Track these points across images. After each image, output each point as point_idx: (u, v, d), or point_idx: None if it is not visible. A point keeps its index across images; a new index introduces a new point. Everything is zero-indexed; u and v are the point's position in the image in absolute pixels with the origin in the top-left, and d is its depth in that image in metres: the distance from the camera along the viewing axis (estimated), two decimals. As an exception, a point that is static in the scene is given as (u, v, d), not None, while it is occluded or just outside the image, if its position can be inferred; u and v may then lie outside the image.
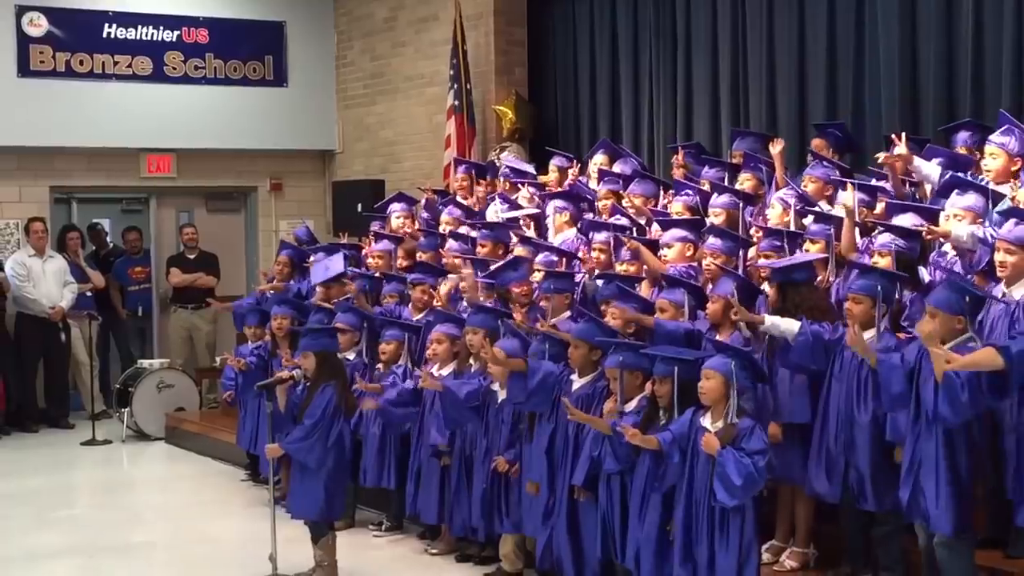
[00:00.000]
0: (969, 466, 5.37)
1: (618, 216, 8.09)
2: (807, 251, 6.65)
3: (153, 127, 13.21)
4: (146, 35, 13.21)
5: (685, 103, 10.65)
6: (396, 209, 10.01)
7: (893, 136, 7.19)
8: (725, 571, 5.42)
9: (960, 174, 6.80)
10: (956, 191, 6.41)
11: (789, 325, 5.95)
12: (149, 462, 11.22)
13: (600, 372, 6.32)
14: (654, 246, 7.39)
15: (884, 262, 6.14)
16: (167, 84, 13.30)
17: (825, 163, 7.77)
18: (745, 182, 8.03)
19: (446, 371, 7.45)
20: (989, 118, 7.59)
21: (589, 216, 8.50)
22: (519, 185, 9.53)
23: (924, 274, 6.32)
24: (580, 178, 9.38)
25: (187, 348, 12.96)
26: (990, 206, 6.25)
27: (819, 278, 6.49)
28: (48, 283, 12.14)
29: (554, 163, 9.74)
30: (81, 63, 12.91)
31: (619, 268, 7.33)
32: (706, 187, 8.09)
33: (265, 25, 13.85)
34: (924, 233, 6.21)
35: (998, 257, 5.72)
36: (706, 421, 5.53)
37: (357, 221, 11.63)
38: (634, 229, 7.78)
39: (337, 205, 13.18)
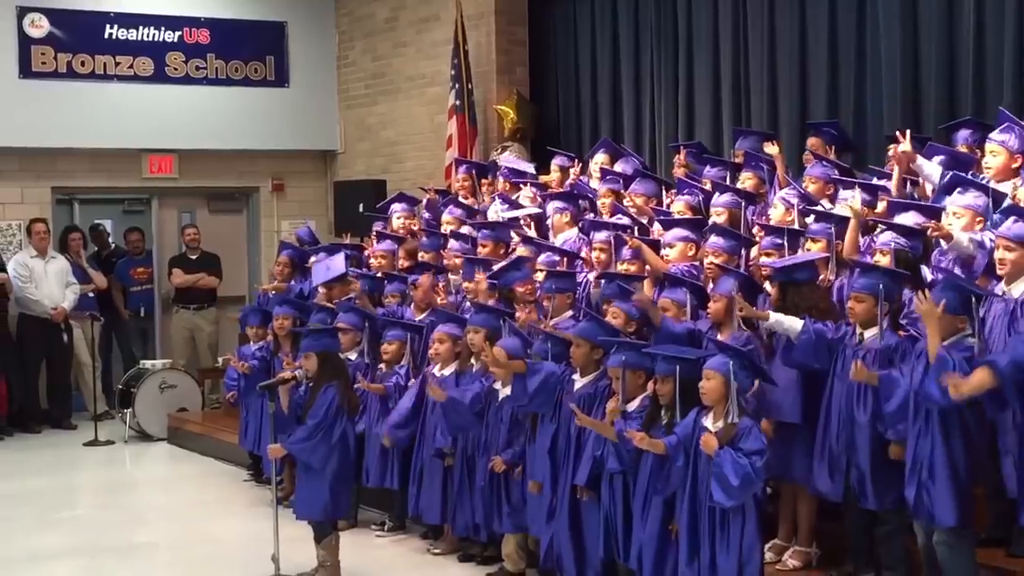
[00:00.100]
0: (967, 460, 5.38)
1: (620, 215, 8.10)
2: (808, 250, 6.65)
3: (155, 128, 13.21)
4: (147, 36, 13.22)
5: (687, 103, 10.65)
6: (397, 209, 10.01)
7: (898, 132, 7.19)
8: (726, 571, 5.42)
9: (961, 173, 6.79)
10: (958, 189, 6.41)
11: (792, 323, 5.95)
12: (151, 463, 11.22)
13: (602, 371, 6.33)
14: (655, 245, 7.39)
15: (885, 260, 6.14)
16: (168, 85, 13.30)
17: (824, 162, 7.77)
18: (746, 181, 8.03)
19: (448, 371, 7.45)
20: (990, 117, 7.58)
21: (590, 216, 8.50)
22: (520, 185, 9.53)
23: (926, 273, 6.31)
24: (581, 178, 9.38)
25: (189, 349, 12.96)
26: (991, 205, 6.24)
27: (820, 277, 6.49)
28: (50, 284, 12.14)
29: (556, 163, 9.75)
30: (82, 64, 12.92)
31: (620, 267, 7.33)
32: (707, 186, 8.10)
33: (266, 25, 13.85)
34: (931, 230, 6.19)
35: (997, 255, 5.73)
36: (708, 421, 5.54)
37: (359, 221, 11.64)
38: (636, 228, 7.77)
39: (339, 205, 13.18)
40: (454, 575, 7.27)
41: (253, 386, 8.58)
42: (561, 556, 6.36)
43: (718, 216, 7.51)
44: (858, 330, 5.89)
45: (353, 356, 8.12)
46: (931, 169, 6.99)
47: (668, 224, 7.51)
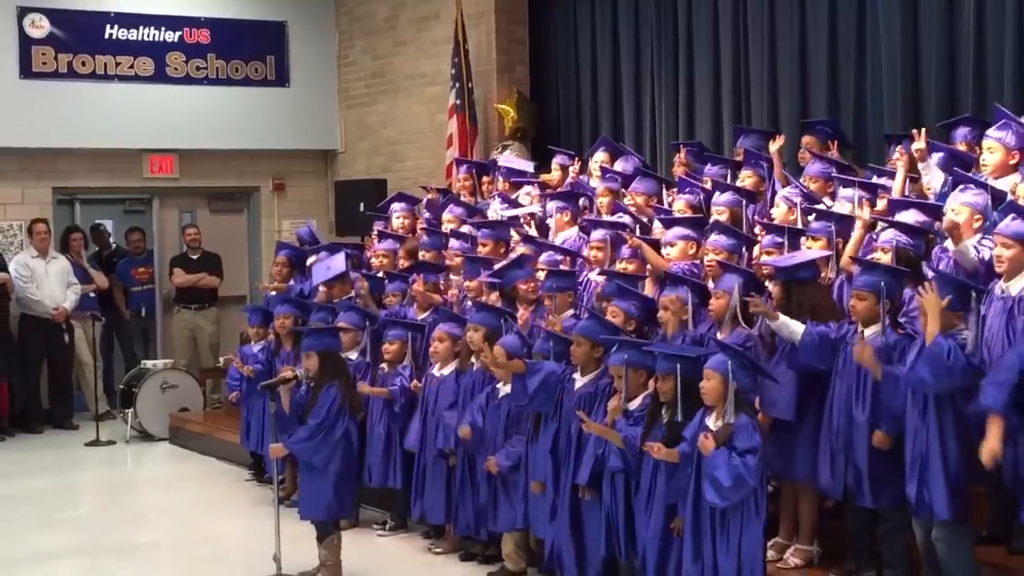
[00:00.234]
0: (964, 455, 5.40)
1: (620, 214, 8.10)
2: (809, 248, 6.65)
3: (155, 128, 13.22)
4: (148, 36, 13.22)
5: (687, 101, 10.65)
6: (397, 209, 10.02)
7: (915, 132, 7.17)
8: (727, 570, 5.42)
9: (961, 170, 6.80)
10: (959, 187, 6.41)
11: (795, 327, 5.94)
12: (153, 462, 11.23)
13: (603, 370, 6.33)
14: (655, 244, 7.39)
15: (887, 258, 6.15)
16: (169, 85, 13.31)
17: (823, 160, 7.77)
18: (746, 179, 8.04)
19: (447, 370, 7.46)
20: (990, 115, 7.57)
21: (590, 214, 8.51)
22: (519, 184, 9.54)
23: (927, 271, 6.31)
24: (581, 176, 9.38)
25: (190, 348, 12.97)
26: (990, 203, 6.24)
27: (821, 275, 6.49)
28: (51, 284, 12.15)
29: (556, 161, 9.75)
30: (83, 64, 12.92)
31: (618, 266, 7.33)
32: (708, 185, 8.10)
33: (266, 25, 13.86)
34: (945, 226, 6.18)
35: (995, 252, 5.74)
36: (710, 421, 5.54)
37: (359, 221, 11.65)
38: (637, 227, 7.78)
39: (339, 205, 13.19)
40: (456, 574, 7.27)
41: (255, 386, 8.59)
42: (562, 555, 6.37)
43: (719, 215, 7.51)
44: (859, 328, 5.90)
45: (354, 356, 8.12)
46: (935, 176, 6.97)
47: (669, 223, 7.50)
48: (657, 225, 7.75)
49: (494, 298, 7.59)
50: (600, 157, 9.36)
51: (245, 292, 14.02)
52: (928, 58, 8.76)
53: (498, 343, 6.91)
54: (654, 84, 11.00)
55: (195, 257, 13.11)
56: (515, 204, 9.16)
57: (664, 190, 8.56)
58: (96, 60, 12.97)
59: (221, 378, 11.94)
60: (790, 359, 6.02)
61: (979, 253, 6.00)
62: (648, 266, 7.24)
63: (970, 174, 6.70)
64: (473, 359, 7.31)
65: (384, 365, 7.98)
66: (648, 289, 7.12)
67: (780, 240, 6.75)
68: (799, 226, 6.98)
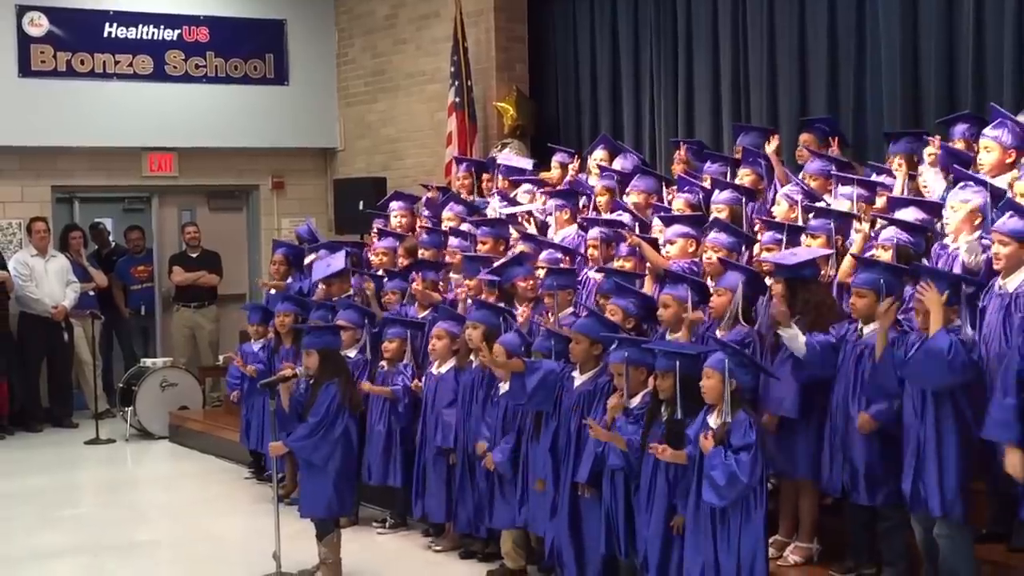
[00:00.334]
0: (962, 450, 5.42)
1: (620, 212, 8.10)
2: (808, 246, 6.64)
3: (154, 126, 13.22)
4: (147, 34, 13.22)
5: (686, 99, 10.65)
6: (395, 207, 10.02)
7: (932, 139, 7.17)
8: (727, 569, 5.43)
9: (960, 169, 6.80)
10: (959, 185, 6.42)
11: (800, 342, 5.94)
12: (153, 461, 11.23)
13: (602, 368, 6.33)
14: (654, 243, 7.39)
15: (887, 255, 6.15)
16: (168, 83, 13.31)
17: (823, 158, 7.78)
18: (744, 177, 8.04)
19: (445, 368, 7.46)
20: (989, 113, 7.58)
21: (589, 213, 8.51)
22: (519, 182, 9.54)
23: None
24: (580, 175, 9.38)
25: (190, 346, 12.97)
26: (989, 200, 6.24)
27: (821, 272, 6.50)
28: (51, 283, 12.15)
29: (556, 159, 9.76)
30: (82, 63, 12.92)
31: (616, 264, 7.33)
32: (707, 183, 8.10)
33: (266, 23, 13.85)
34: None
35: (993, 249, 5.76)
36: (711, 419, 5.54)
37: (359, 219, 11.65)
38: (636, 225, 7.78)
39: (339, 203, 13.18)
40: (455, 572, 7.27)
41: (255, 385, 8.59)
42: (561, 553, 6.37)
43: (719, 213, 7.51)
44: (859, 325, 5.90)
45: (352, 353, 8.12)
46: (937, 183, 6.97)
47: (668, 220, 7.50)
48: (656, 223, 7.76)
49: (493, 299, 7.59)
50: (599, 155, 9.36)
51: (244, 290, 14.03)
52: (927, 56, 8.76)
53: (498, 341, 6.91)
54: (653, 82, 11.00)
55: (194, 255, 13.11)
56: (514, 203, 9.16)
57: (664, 188, 8.56)
58: (95, 58, 12.97)
59: (221, 376, 11.94)
60: (796, 372, 6.00)
61: (987, 251, 6.02)
62: (647, 264, 7.24)
63: (969, 172, 6.69)
64: (472, 357, 7.31)
65: (384, 363, 7.98)
66: (647, 287, 7.12)
67: (780, 237, 6.75)
68: (800, 224, 6.97)
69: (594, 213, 8.46)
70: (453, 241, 8.73)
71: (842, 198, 7.13)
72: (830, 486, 6.01)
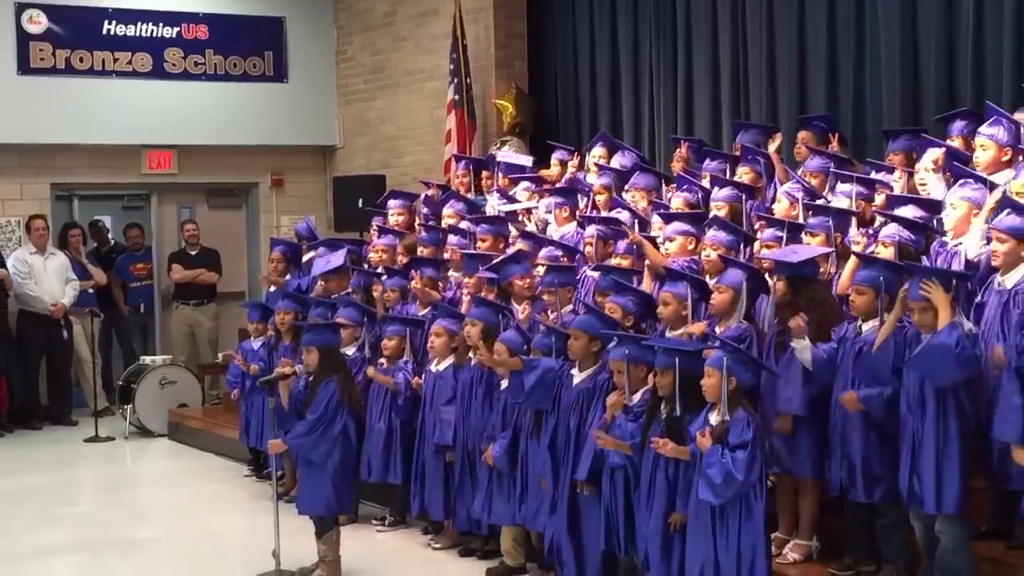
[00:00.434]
0: (963, 447, 5.42)
1: (619, 209, 8.10)
2: (808, 244, 6.64)
3: (153, 124, 13.22)
4: (146, 31, 13.21)
5: (686, 96, 10.65)
6: (393, 205, 10.02)
7: (941, 154, 7.17)
8: (726, 567, 5.42)
9: (960, 166, 6.80)
10: (958, 182, 6.42)
11: (808, 356, 5.95)
12: (152, 458, 11.23)
13: (601, 365, 6.33)
14: (652, 242, 7.38)
15: (887, 252, 6.15)
16: (167, 80, 13.30)
17: (822, 155, 7.78)
18: (743, 175, 8.03)
19: (443, 365, 7.46)
20: (989, 110, 7.60)
21: (589, 211, 8.51)
22: (518, 180, 9.54)
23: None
24: (579, 174, 9.38)
25: (189, 344, 12.96)
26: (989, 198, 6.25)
27: (821, 270, 6.50)
28: (50, 280, 12.15)
29: (556, 157, 9.76)
30: (81, 60, 12.92)
31: (613, 261, 7.33)
32: (706, 180, 8.10)
33: (265, 21, 13.85)
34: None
35: (991, 247, 5.77)
36: (713, 417, 5.53)
37: (358, 216, 11.65)
38: (636, 222, 7.79)
39: (338, 200, 13.18)
40: (455, 570, 7.27)
41: (255, 383, 8.58)
42: (561, 550, 6.37)
43: (718, 210, 7.50)
44: (859, 322, 5.91)
45: (350, 351, 8.11)
46: (938, 188, 6.97)
47: (668, 218, 7.50)
48: (656, 220, 7.75)
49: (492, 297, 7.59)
50: (598, 152, 9.36)
51: (244, 288, 14.03)
52: (927, 52, 8.75)
53: (499, 339, 6.91)
54: (653, 79, 11.00)
55: (194, 253, 13.11)
56: (513, 200, 9.16)
57: (663, 185, 8.56)
58: (94, 56, 12.96)
59: (220, 374, 11.95)
60: (807, 387, 6.00)
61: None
62: (647, 262, 7.24)
63: (969, 169, 6.69)
64: (471, 354, 7.30)
65: (383, 360, 7.98)
66: (646, 285, 7.11)
67: (780, 235, 6.74)
68: (800, 221, 6.97)
69: (593, 211, 8.45)
70: (452, 239, 8.73)
71: (841, 195, 7.13)
72: (829, 483, 6.01)
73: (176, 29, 13.35)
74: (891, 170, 7.37)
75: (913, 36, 8.87)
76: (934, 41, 8.68)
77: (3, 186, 12.84)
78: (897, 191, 7.16)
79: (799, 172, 7.80)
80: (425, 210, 10.03)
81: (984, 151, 6.70)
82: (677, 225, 7.27)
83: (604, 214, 8.12)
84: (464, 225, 8.91)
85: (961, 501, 5.41)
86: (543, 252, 7.78)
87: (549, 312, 7.12)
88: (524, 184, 9.42)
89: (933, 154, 7.00)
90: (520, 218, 8.82)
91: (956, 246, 6.25)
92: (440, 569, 7.32)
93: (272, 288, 10.06)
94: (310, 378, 6.94)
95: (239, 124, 13.65)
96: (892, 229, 6.25)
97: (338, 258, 9.15)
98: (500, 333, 7.02)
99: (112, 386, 12.75)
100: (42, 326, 12.12)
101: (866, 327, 5.85)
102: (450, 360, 7.47)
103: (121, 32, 13.09)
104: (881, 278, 5.78)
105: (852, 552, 6.08)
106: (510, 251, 8.03)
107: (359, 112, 13.86)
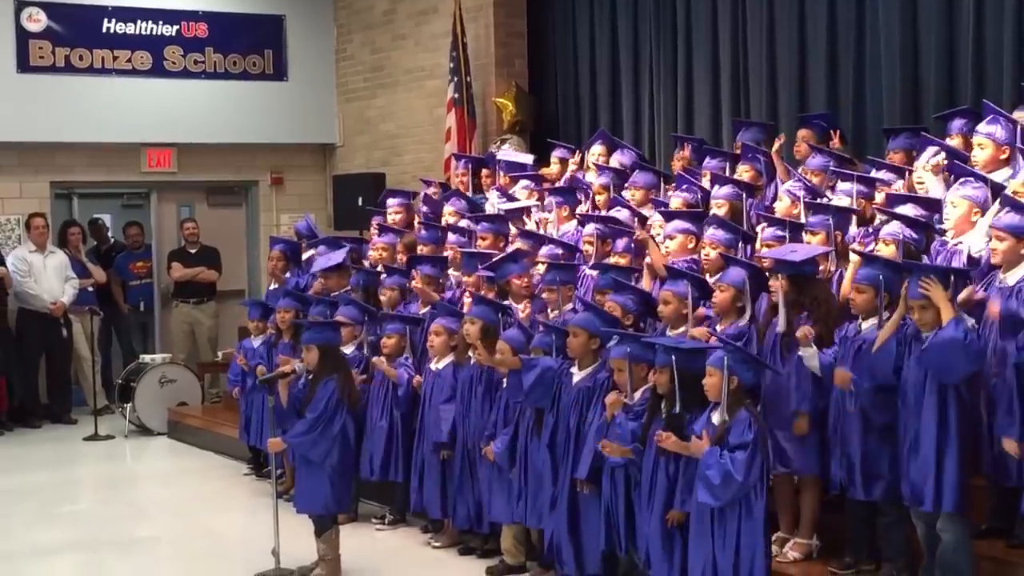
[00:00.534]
0: (964, 445, 5.42)
1: (618, 208, 8.09)
2: (808, 243, 6.63)
3: (153, 122, 13.21)
4: (145, 30, 13.20)
5: (686, 94, 10.65)
6: (392, 204, 10.02)
7: (940, 160, 7.17)
8: (724, 566, 5.41)
9: (961, 165, 6.79)
10: (959, 181, 6.41)
11: (816, 364, 5.95)
12: (152, 457, 11.23)
13: (601, 364, 6.32)
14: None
15: (888, 250, 6.15)
16: (167, 79, 13.30)
17: (823, 153, 7.77)
18: (743, 174, 8.03)
19: (443, 363, 7.45)
20: (989, 108, 7.60)
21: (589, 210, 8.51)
22: (518, 178, 9.54)
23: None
24: (578, 173, 9.38)
25: (189, 343, 12.96)
26: (990, 196, 6.24)
27: (820, 268, 6.49)
28: (49, 278, 12.14)
29: (556, 155, 9.76)
30: (80, 58, 12.91)
31: (611, 260, 7.32)
32: (706, 179, 8.09)
33: (264, 19, 13.84)
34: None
35: (991, 245, 5.77)
36: (715, 417, 5.52)
37: (358, 215, 11.65)
38: (636, 220, 7.78)
39: (338, 199, 13.18)
40: (455, 568, 7.27)
41: (256, 381, 8.58)
42: (560, 548, 6.36)
43: (719, 208, 7.50)
44: (859, 321, 5.91)
45: (349, 349, 8.10)
46: (936, 188, 6.97)
47: (669, 215, 7.49)
48: (656, 218, 7.73)
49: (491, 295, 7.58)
50: (597, 150, 9.36)
51: (243, 286, 14.03)
52: (927, 50, 8.75)
53: (502, 337, 6.91)
54: (653, 77, 10.99)
55: (193, 251, 13.10)
56: (512, 199, 9.16)
57: (662, 183, 8.56)
58: (94, 54, 12.96)
59: (220, 372, 11.95)
60: (815, 397, 6.02)
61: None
62: (646, 260, 7.24)
63: (970, 168, 6.69)
64: (470, 352, 7.30)
65: (383, 359, 7.97)
66: (645, 284, 7.11)
67: (782, 234, 6.73)
68: (802, 220, 6.96)
69: (593, 211, 8.44)
70: (452, 237, 8.72)
71: (841, 194, 7.13)
72: (829, 482, 6.01)
73: (176, 27, 13.34)
74: (893, 168, 7.36)
75: (913, 35, 8.87)
76: (934, 40, 8.68)
77: (3, 184, 12.83)
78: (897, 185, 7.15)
79: (799, 170, 7.80)
80: (425, 208, 10.02)
81: (982, 149, 6.70)
82: (677, 223, 7.26)
83: (603, 213, 8.12)
84: (464, 224, 8.91)
85: (961, 499, 5.41)
86: (544, 250, 7.78)
87: (550, 310, 7.11)
88: (523, 183, 9.41)
89: (931, 153, 7.00)
90: (522, 216, 8.82)
91: (956, 245, 6.25)
92: (440, 568, 7.31)
93: (275, 284, 10.05)
94: (310, 376, 6.93)
95: (239, 122, 13.64)
96: (894, 227, 6.24)
97: (339, 255, 9.15)
98: (499, 331, 7.01)
99: (112, 384, 12.74)
100: (42, 324, 12.12)
101: (866, 325, 5.85)
102: (450, 358, 7.46)
103: (121, 30, 13.09)
104: (881, 276, 5.78)
105: (852, 551, 6.07)
106: (509, 250, 8.03)
107: (359, 110, 13.85)
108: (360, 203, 11.80)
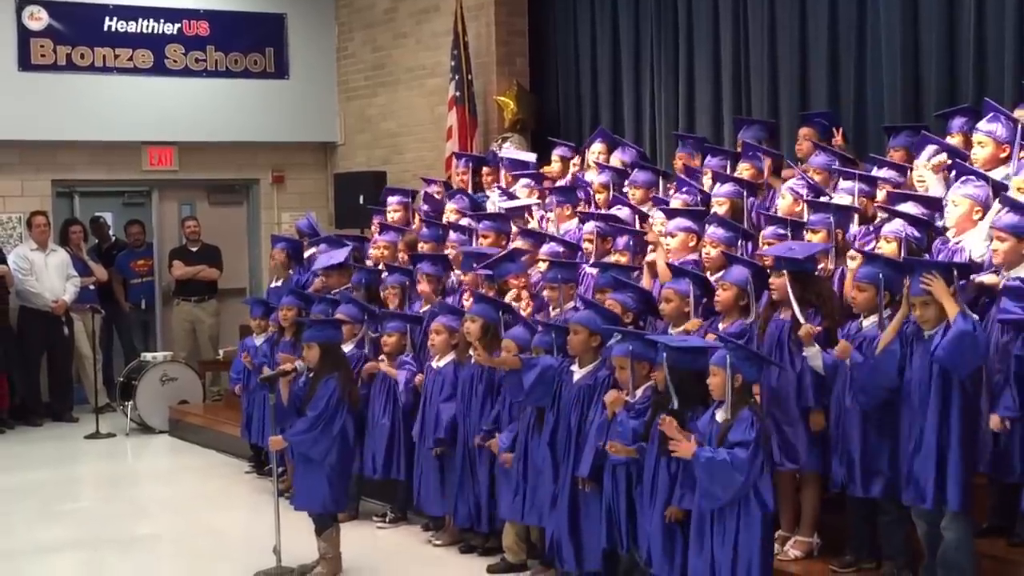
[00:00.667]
0: (964, 439, 5.42)
1: (619, 206, 8.09)
2: (809, 241, 6.63)
3: (154, 120, 13.21)
4: (146, 28, 13.21)
5: (687, 92, 10.65)
6: (392, 202, 10.02)
7: (941, 159, 7.18)
8: (723, 564, 5.41)
9: (962, 164, 6.79)
10: (960, 180, 6.41)
11: (819, 363, 5.96)
12: (153, 455, 11.23)
13: (601, 362, 6.32)
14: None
15: (889, 248, 6.14)
16: (168, 77, 13.30)
17: (827, 152, 7.77)
18: (744, 172, 8.02)
19: (444, 362, 7.45)
20: (990, 107, 7.59)
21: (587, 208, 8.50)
22: (519, 177, 9.55)
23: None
24: (579, 173, 9.37)
25: (190, 341, 12.96)
26: (991, 194, 6.24)
27: (820, 266, 6.49)
28: (51, 277, 12.15)
29: (557, 153, 9.75)
30: (82, 56, 12.91)
31: (611, 258, 7.32)
32: (707, 177, 8.09)
33: (266, 17, 13.84)
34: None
35: (992, 245, 5.77)
36: (719, 415, 5.51)
37: (359, 213, 11.65)
38: (636, 218, 7.77)
39: (339, 197, 13.18)
40: (455, 566, 7.27)
41: (258, 378, 8.58)
42: (561, 546, 6.36)
43: (720, 206, 7.50)
44: (861, 319, 5.91)
45: (347, 348, 8.10)
46: (937, 188, 6.97)
47: (670, 213, 7.48)
48: (658, 215, 7.72)
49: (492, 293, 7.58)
50: (597, 149, 9.36)
51: (245, 284, 14.03)
52: (928, 49, 8.75)
53: (507, 335, 6.91)
54: (654, 75, 10.99)
55: (194, 249, 13.11)
56: (513, 197, 9.15)
57: (661, 181, 8.56)
58: (95, 52, 12.96)
59: (221, 370, 11.94)
60: (817, 398, 6.04)
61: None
62: (646, 259, 7.24)
63: (971, 166, 6.69)
64: (471, 351, 7.30)
65: (384, 357, 7.98)
66: (645, 282, 7.10)
67: (783, 231, 6.73)
68: (805, 217, 6.96)
69: (593, 208, 8.44)
70: (452, 235, 8.72)
71: (843, 192, 7.12)
72: (831, 479, 6.01)
73: (177, 25, 13.34)
74: (894, 166, 7.35)
75: (915, 34, 8.87)
76: (935, 39, 8.68)
77: (4, 182, 12.84)
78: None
79: (802, 168, 7.79)
80: (426, 207, 10.02)
81: (982, 148, 6.69)
82: (679, 221, 7.26)
83: (601, 211, 8.12)
84: (465, 222, 8.91)
85: (965, 498, 5.40)
86: (545, 248, 7.78)
87: (551, 308, 7.11)
88: (524, 181, 9.41)
89: (931, 152, 6.99)
90: (525, 214, 8.81)
91: (957, 243, 6.24)
92: (441, 566, 7.31)
93: (278, 281, 10.05)
94: (310, 374, 6.93)
95: (240, 120, 13.64)
96: (896, 225, 6.24)
97: (340, 254, 9.15)
98: (500, 330, 7.02)
99: (113, 382, 12.74)
100: (43, 323, 12.12)
101: (867, 323, 5.85)
102: (450, 357, 7.46)
103: (122, 28, 13.09)
104: (881, 275, 5.78)
105: (853, 549, 6.08)
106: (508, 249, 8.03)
107: (360, 109, 13.85)
108: (361, 201, 11.80)
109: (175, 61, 13.35)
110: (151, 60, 13.22)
